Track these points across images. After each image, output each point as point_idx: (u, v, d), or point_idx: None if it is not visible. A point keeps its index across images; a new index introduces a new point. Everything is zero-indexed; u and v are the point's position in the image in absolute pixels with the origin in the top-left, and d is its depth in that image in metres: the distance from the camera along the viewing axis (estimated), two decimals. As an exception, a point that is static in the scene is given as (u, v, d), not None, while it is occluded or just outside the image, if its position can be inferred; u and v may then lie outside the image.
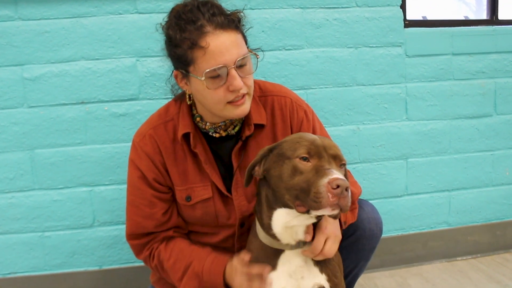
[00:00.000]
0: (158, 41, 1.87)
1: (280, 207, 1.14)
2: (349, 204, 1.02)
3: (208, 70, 1.20)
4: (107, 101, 1.89)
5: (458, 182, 2.25)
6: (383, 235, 2.13)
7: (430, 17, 2.27)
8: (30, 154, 1.88)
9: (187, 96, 1.36)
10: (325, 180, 1.01)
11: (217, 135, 1.37)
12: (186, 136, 1.34)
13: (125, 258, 1.97)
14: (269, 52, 1.96)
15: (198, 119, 1.37)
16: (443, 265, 2.23)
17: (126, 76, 1.89)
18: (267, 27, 1.96)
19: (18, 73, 1.83)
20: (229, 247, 1.43)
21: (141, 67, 1.89)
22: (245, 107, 1.29)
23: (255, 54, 1.30)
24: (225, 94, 1.23)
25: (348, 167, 1.43)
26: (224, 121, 1.36)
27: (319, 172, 1.04)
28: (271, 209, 1.16)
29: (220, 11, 1.24)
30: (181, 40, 1.22)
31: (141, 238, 1.39)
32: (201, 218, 1.39)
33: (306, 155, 1.09)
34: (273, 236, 1.18)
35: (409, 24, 2.12)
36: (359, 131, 2.11)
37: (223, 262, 1.30)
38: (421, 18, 2.25)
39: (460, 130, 2.22)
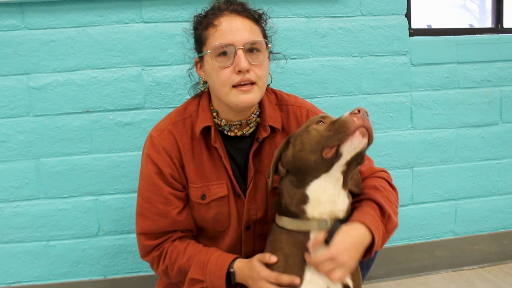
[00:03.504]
0: (163, 50, 1.91)
1: (312, 180, 1.15)
2: (372, 127, 1.07)
3: (215, 43, 1.24)
4: (112, 110, 1.89)
5: (464, 191, 2.23)
6: (389, 245, 2.15)
7: (435, 25, 2.27)
8: (35, 163, 1.88)
9: (201, 83, 1.39)
10: (346, 114, 1.08)
11: (232, 134, 1.38)
12: (204, 131, 1.35)
13: (130, 267, 1.97)
14: (274, 61, 1.96)
15: (214, 114, 1.38)
16: (449, 275, 2.21)
17: (131, 85, 1.89)
18: (272, 36, 1.97)
19: (24, 82, 1.84)
20: (237, 253, 1.41)
21: (147, 76, 1.90)
22: (252, 96, 1.27)
23: (267, 44, 1.32)
24: (230, 75, 1.25)
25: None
26: (239, 120, 1.36)
27: (336, 120, 1.10)
28: (303, 186, 1.16)
29: (242, 3, 1.32)
30: (200, 23, 1.32)
31: (154, 239, 1.36)
32: (213, 218, 1.37)
33: (321, 119, 1.17)
34: (301, 212, 1.17)
35: (414, 32, 2.12)
36: (364, 140, 2.10)
37: (231, 256, 1.30)
38: (426, 27, 2.25)
39: (465, 138, 2.21)
